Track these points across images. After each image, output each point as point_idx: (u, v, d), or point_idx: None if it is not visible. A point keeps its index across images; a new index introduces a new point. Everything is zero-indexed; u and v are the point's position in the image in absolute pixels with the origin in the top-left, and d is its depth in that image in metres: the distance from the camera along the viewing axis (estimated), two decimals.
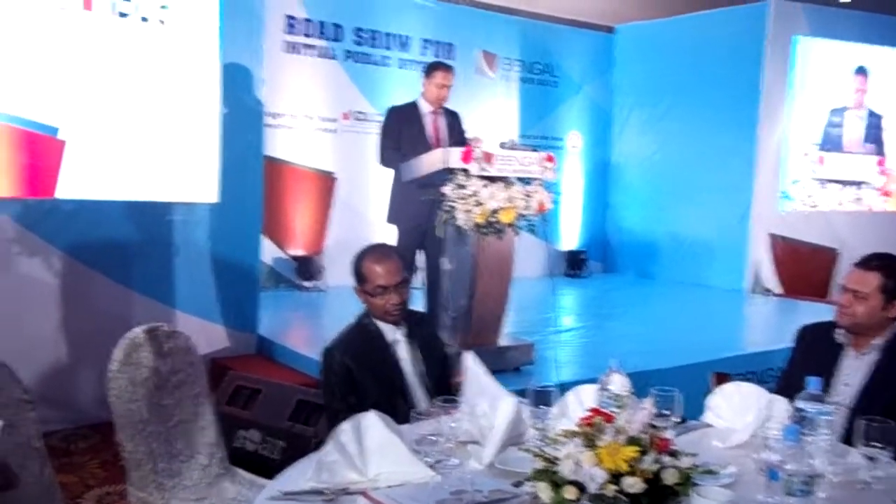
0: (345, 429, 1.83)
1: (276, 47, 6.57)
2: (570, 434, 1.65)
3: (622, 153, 8.82)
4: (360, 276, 2.61)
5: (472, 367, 2.34)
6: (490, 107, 7.86)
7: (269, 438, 3.44)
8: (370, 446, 1.81)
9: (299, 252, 6.92)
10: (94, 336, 3.85)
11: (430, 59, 7.22)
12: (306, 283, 6.78)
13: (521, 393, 2.19)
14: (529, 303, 6.04)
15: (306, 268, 6.81)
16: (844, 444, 2.10)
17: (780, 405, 2.15)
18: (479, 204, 3.93)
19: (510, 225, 4.05)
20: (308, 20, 6.87)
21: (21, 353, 3.89)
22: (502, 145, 4.05)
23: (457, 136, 4.67)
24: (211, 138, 4.57)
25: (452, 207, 3.95)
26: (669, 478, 1.59)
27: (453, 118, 4.86)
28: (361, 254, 2.66)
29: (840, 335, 2.60)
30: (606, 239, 8.99)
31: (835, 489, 1.79)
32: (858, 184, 8.38)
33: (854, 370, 2.54)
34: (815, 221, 8.06)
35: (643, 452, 1.59)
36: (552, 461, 1.63)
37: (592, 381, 2.17)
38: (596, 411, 1.72)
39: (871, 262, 2.57)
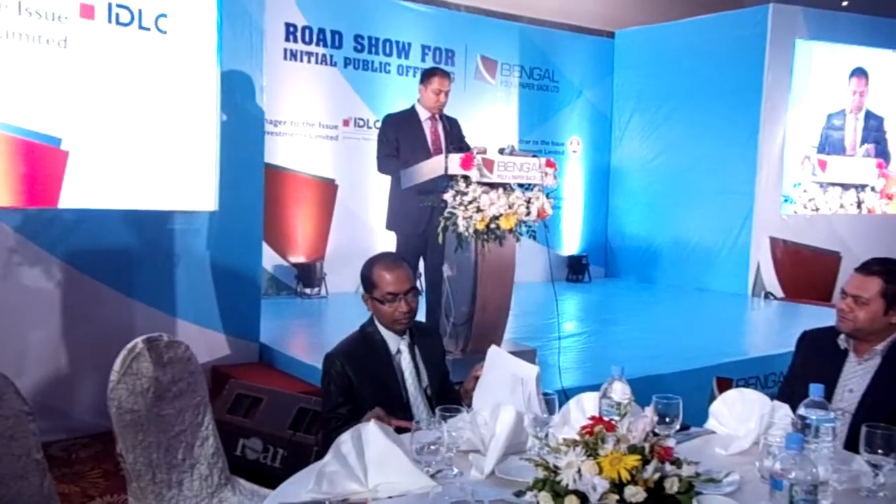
0: (345, 439, 1.82)
1: (276, 55, 6.58)
2: (572, 443, 1.64)
3: (623, 158, 8.81)
4: (369, 283, 2.61)
5: (491, 356, 2.38)
6: (490, 113, 7.87)
7: (271, 447, 3.44)
8: (371, 457, 1.80)
9: (300, 259, 6.92)
10: (96, 345, 3.85)
11: (430, 65, 7.23)
12: (307, 291, 6.78)
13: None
14: (531, 308, 6.04)
15: (307, 275, 6.81)
16: (848, 451, 2.09)
17: (783, 412, 2.14)
18: (479, 210, 3.92)
19: (511, 231, 4.04)
20: (307, 27, 6.88)
21: (22, 363, 3.93)
22: (501, 151, 4.04)
23: (456, 142, 4.66)
24: (210, 146, 4.58)
25: (453, 214, 3.95)
26: (671, 487, 1.58)
27: (452, 125, 4.85)
28: (371, 261, 2.67)
29: (842, 340, 2.59)
30: (608, 244, 8.99)
31: (839, 497, 1.78)
32: (859, 187, 8.37)
33: (856, 376, 2.53)
34: (816, 225, 8.05)
35: (645, 461, 1.59)
36: (553, 470, 1.62)
37: (595, 386, 2.16)
38: (597, 419, 1.71)
39: (872, 266, 2.56)
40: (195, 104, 4.52)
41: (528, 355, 4.33)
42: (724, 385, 4.63)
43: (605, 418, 1.73)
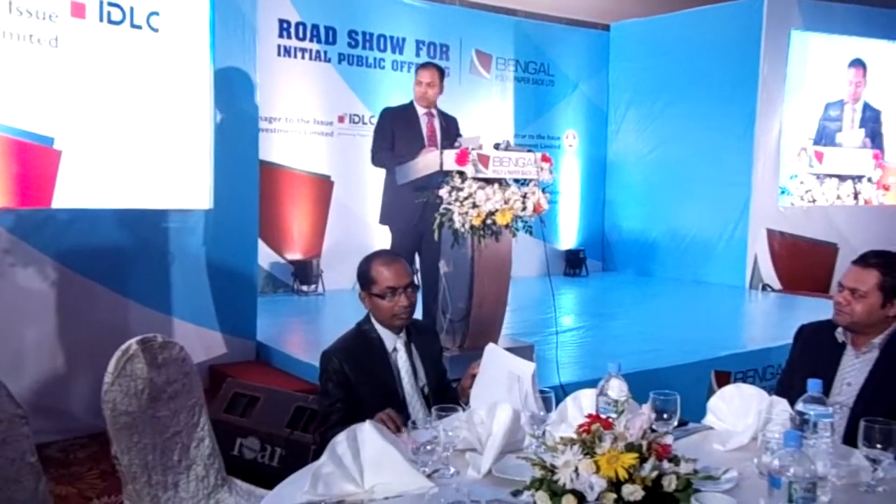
0: (340, 440, 1.81)
1: (270, 51, 6.55)
2: (569, 441, 1.63)
3: (619, 151, 8.80)
4: (367, 279, 2.60)
5: (488, 354, 2.37)
6: (486, 107, 7.85)
7: (268, 446, 3.42)
8: (367, 457, 1.79)
9: (297, 256, 6.90)
10: (91, 345, 3.83)
11: (425, 60, 7.20)
12: (304, 288, 6.76)
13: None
14: (528, 303, 6.02)
15: (304, 272, 6.79)
16: (847, 446, 2.08)
17: (781, 407, 2.13)
18: (475, 206, 3.91)
19: (507, 226, 4.03)
20: (301, 23, 6.85)
21: (17, 364, 3.91)
22: (496, 146, 4.02)
23: (452, 139, 4.65)
24: (204, 144, 4.56)
25: (449, 210, 3.93)
26: (669, 484, 1.57)
27: (449, 122, 4.84)
28: (368, 258, 2.67)
29: (840, 334, 2.58)
30: (605, 237, 8.98)
31: (838, 492, 1.78)
32: (856, 178, 8.37)
33: (854, 369, 2.52)
34: (813, 216, 8.04)
35: (642, 459, 1.58)
36: (550, 469, 1.61)
37: (593, 381, 2.15)
38: (594, 417, 1.70)
39: (869, 259, 2.55)
40: (188, 102, 4.50)
41: (525, 351, 4.33)
42: (722, 378, 4.65)
43: (603, 416, 1.72)
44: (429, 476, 1.81)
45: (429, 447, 1.83)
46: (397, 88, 7.02)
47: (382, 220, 4.80)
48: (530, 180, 4.11)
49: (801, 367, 2.56)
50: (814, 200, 8.08)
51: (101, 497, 3.46)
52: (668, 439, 1.66)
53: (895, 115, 8.63)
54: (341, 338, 2.63)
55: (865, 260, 2.56)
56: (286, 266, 6.85)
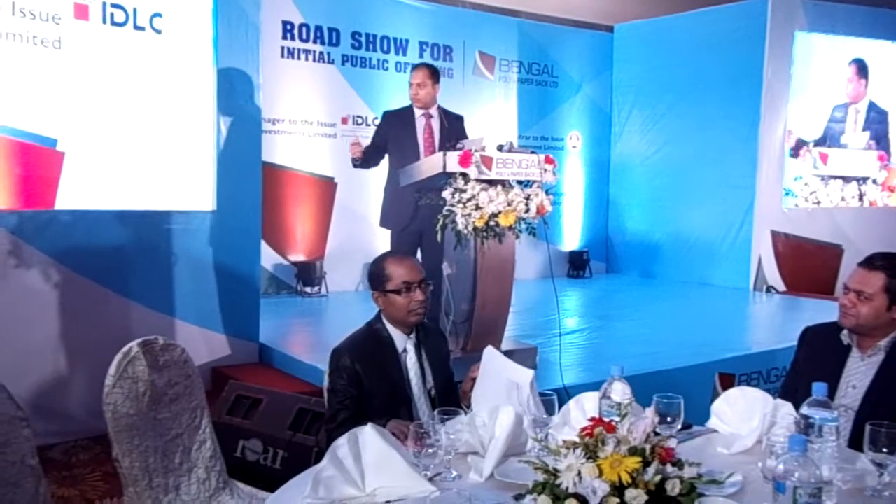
0: (341, 443, 1.80)
1: (273, 53, 6.55)
2: (571, 445, 1.62)
3: (623, 152, 8.78)
4: (381, 277, 2.61)
5: (487, 358, 2.37)
6: (489, 109, 7.84)
7: (271, 448, 3.42)
8: (368, 461, 1.77)
9: (300, 258, 6.90)
10: (94, 347, 3.82)
11: (428, 62, 7.20)
12: (308, 290, 6.75)
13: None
14: (532, 305, 6.01)
15: (307, 274, 6.79)
16: (852, 450, 2.07)
17: (785, 410, 2.11)
18: (478, 208, 3.90)
19: (510, 228, 4.02)
20: (304, 25, 6.85)
21: (20, 366, 3.90)
22: (500, 148, 4.01)
23: (456, 139, 4.64)
24: (207, 146, 4.55)
25: (452, 212, 3.92)
26: (673, 489, 1.56)
27: (452, 121, 4.83)
28: (379, 258, 2.71)
29: (845, 336, 2.57)
30: (608, 239, 8.96)
31: (843, 497, 1.76)
32: (861, 179, 8.34)
33: (860, 372, 2.50)
34: (818, 218, 8.02)
35: (646, 463, 1.56)
36: (553, 473, 1.60)
37: (597, 384, 2.14)
38: (597, 421, 1.69)
39: (875, 261, 2.53)
40: (192, 103, 4.50)
41: (528, 353, 4.32)
42: (727, 381, 4.63)
43: (606, 419, 1.70)
44: (430, 479, 1.80)
45: (430, 450, 1.81)
46: (400, 90, 6.99)
47: (382, 223, 4.82)
48: (534, 182, 4.10)
49: (806, 369, 2.54)
50: (818, 202, 8.06)
51: (103, 499, 3.45)
52: (672, 443, 1.65)
53: None
54: (352, 335, 2.64)
55: (871, 262, 2.54)
56: (289, 267, 6.85)
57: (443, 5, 7.69)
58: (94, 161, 4.19)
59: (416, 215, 4.29)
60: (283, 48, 6.73)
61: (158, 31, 4.34)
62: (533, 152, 4.14)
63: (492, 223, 3.94)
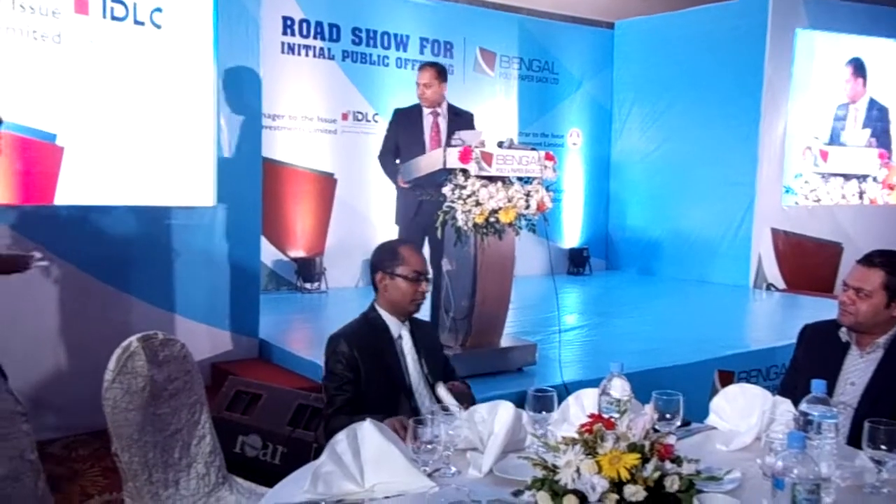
0: (340, 439, 1.80)
1: (274, 49, 6.54)
2: (571, 441, 1.62)
3: (623, 150, 8.77)
4: (393, 259, 2.62)
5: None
6: (490, 105, 7.82)
7: (270, 444, 3.42)
8: (367, 456, 1.78)
9: (300, 254, 6.90)
10: (94, 342, 3.81)
11: (429, 58, 7.20)
12: (307, 285, 6.75)
13: (522, 396, 2.17)
14: (531, 302, 6.01)
15: (307, 270, 6.79)
16: (851, 447, 2.07)
17: (784, 407, 2.11)
18: (478, 204, 3.89)
19: (510, 225, 4.01)
20: (305, 21, 6.84)
21: (20, 361, 3.86)
22: (500, 144, 4.01)
23: None
24: (207, 141, 4.55)
25: (452, 208, 3.92)
26: (672, 485, 1.56)
27: (459, 119, 4.82)
28: (395, 241, 2.78)
29: (844, 333, 2.57)
30: (608, 236, 8.95)
31: (842, 494, 1.76)
32: (861, 177, 8.34)
33: (858, 369, 2.51)
34: (818, 215, 8.01)
35: (645, 460, 1.56)
36: (552, 469, 1.60)
37: (596, 380, 2.14)
38: (596, 417, 1.69)
39: (874, 258, 2.53)
40: (192, 99, 4.50)
41: (528, 349, 4.32)
42: (726, 378, 4.63)
43: (605, 416, 1.70)
44: (429, 475, 1.80)
45: (429, 446, 1.82)
46: (401, 86, 7.01)
47: (396, 220, 4.83)
48: (534, 178, 4.10)
49: (805, 367, 2.54)
50: (818, 200, 8.06)
51: (103, 494, 3.46)
52: (671, 439, 1.65)
53: None
54: (348, 324, 2.66)
55: (870, 259, 2.54)
56: (289, 263, 6.84)
57: (443, 1, 7.68)
58: (94, 156, 4.19)
59: (419, 211, 4.29)
60: (283, 44, 6.72)
61: (158, 26, 4.34)
62: (533, 149, 4.14)
63: (492, 220, 3.94)
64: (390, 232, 4.82)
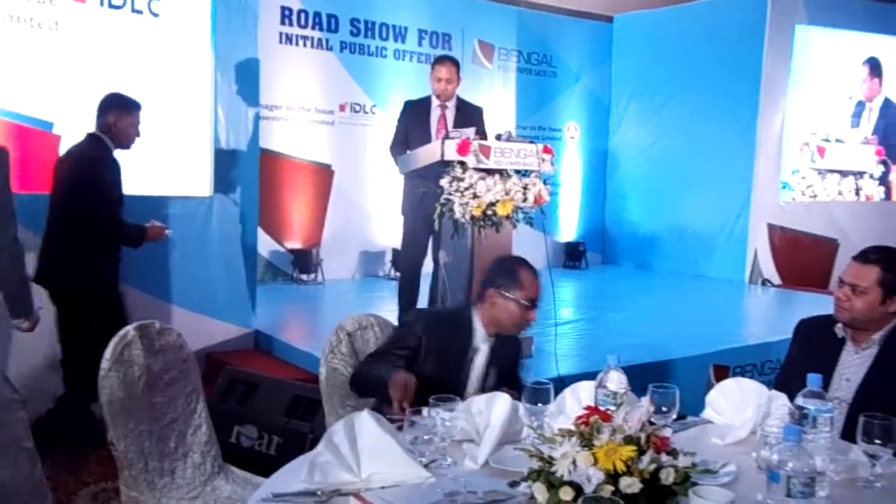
0: (337, 429, 1.80)
1: (272, 39, 6.53)
2: (567, 433, 1.62)
3: (621, 144, 8.77)
4: (511, 280, 2.47)
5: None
6: (487, 98, 7.80)
7: (265, 434, 3.42)
8: (364, 446, 1.78)
9: (297, 245, 6.89)
10: None
11: (427, 49, 7.19)
12: (304, 277, 6.75)
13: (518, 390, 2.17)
14: None
15: (304, 261, 6.78)
16: (845, 441, 2.08)
17: (780, 401, 2.12)
18: (476, 197, 3.90)
19: (507, 217, 4.02)
20: (303, 11, 6.82)
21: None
22: (498, 137, 4.01)
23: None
24: (205, 131, 4.54)
25: (449, 200, 3.92)
26: (667, 477, 1.56)
27: (468, 113, 4.80)
28: (513, 259, 2.60)
29: (839, 329, 2.57)
30: (605, 230, 8.96)
31: (836, 487, 1.77)
32: (858, 174, 8.35)
33: (854, 365, 2.51)
34: (814, 212, 8.03)
35: (641, 452, 1.57)
36: (548, 461, 1.60)
37: (592, 374, 2.15)
38: (593, 409, 1.69)
39: (870, 255, 2.53)
40: (189, 88, 4.49)
41: (524, 342, 4.31)
42: (721, 373, 4.61)
43: (601, 408, 1.71)
44: (426, 466, 1.80)
45: (426, 437, 1.82)
46: (399, 77, 7.00)
47: (402, 210, 4.80)
48: (531, 171, 4.10)
49: (800, 362, 2.55)
50: (815, 196, 8.07)
51: (98, 483, 3.46)
52: (667, 432, 1.65)
53: None
54: (438, 308, 2.61)
55: (866, 256, 2.54)
56: (286, 254, 6.84)
57: None
58: None
59: (422, 202, 4.27)
60: (281, 34, 6.71)
61: (156, 15, 4.33)
62: (531, 142, 4.14)
63: (489, 212, 3.94)
64: (387, 224, 4.82)
